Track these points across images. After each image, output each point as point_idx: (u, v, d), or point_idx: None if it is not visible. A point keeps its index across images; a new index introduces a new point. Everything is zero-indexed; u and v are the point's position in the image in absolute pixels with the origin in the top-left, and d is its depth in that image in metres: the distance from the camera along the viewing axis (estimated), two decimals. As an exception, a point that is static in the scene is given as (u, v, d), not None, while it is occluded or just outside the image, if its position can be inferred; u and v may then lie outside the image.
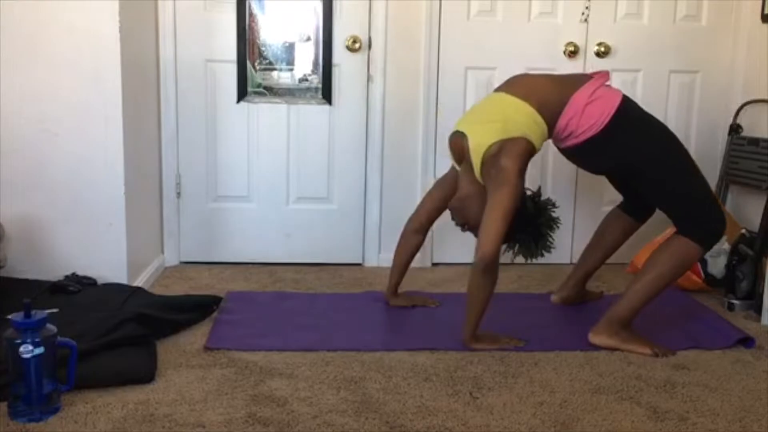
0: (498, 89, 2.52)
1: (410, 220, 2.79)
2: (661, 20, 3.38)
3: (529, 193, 2.51)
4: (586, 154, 2.50)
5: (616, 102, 2.39)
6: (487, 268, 2.28)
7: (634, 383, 2.14)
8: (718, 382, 2.17)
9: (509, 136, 2.36)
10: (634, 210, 2.74)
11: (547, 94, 2.41)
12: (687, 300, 2.92)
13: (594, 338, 2.41)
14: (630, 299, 2.39)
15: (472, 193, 2.46)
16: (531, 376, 2.18)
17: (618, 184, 2.76)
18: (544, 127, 2.40)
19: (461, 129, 2.47)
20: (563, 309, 2.85)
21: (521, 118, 2.38)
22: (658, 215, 2.73)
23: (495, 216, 2.29)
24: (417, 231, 2.75)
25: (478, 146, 2.40)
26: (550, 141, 2.58)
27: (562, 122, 2.40)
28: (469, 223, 2.49)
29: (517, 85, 2.48)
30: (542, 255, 2.52)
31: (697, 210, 2.40)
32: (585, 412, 1.96)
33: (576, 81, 2.47)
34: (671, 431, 1.87)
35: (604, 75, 2.49)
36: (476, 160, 2.41)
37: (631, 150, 2.40)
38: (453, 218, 2.56)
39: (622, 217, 2.76)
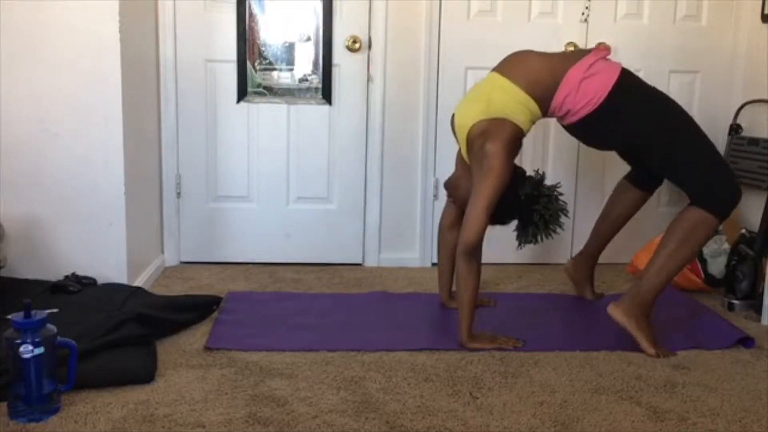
0: (493, 68, 2.52)
1: (442, 217, 2.79)
2: (661, 20, 3.38)
3: (534, 176, 2.52)
4: (588, 132, 2.48)
5: (614, 76, 2.36)
6: (469, 255, 2.34)
7: (634, 383, 2.14)
8: (718, 382, 2.17)
9: (490, 116, 2.37)
10: (642, 181, 2.74)
11: (539, 72, 2.40)
12: (687, 300, 2.92)
13: (612, 310, 2.38)
14: (651, 277, 2.36)
15: (460, 175, 2.59)
16: (531, 376, 2.18)
17: (626, 156, 2.75)
18: (533, 107, 2.39)
19: (455, 110, 2.54)
20: (563, 309, 2.85)
21: (505, 99, 2.38)
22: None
23: (478, 207, 2.33)
24: (451, 227, 2.73)
25: (461, 126, 2.46)
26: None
27: (557, 100, 2.39)
28: (459, 202, 2.59)
29: (509, 65, 2.47)
30: (537, 242, 2.51)
31: (708, 179, 2.37)
32: (585, 412, 1.96)
33: (572, 57, 2.46)
34: (671, 431, 1.87)
35: (603, 49, 2.47)
36: (461, 139, 2.47)
37: (634, 125, 2.38)
38: (448, 196, 2.69)
39: (631, 189, 2.76)
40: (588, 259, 2.90)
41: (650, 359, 2.32)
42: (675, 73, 3.43)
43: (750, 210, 3.19)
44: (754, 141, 3.21)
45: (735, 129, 3.34)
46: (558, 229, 2.51)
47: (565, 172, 3.44)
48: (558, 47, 3.32)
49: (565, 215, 2.53)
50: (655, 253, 2.40)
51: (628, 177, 2.79)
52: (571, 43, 3.33)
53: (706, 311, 2.79)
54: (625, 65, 3.31)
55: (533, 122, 2.45)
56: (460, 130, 2.46)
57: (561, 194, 2.53)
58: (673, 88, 3.44)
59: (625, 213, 2.79)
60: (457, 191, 2.61)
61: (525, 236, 2.52)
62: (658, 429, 1.88)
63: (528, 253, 3.43)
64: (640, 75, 3.32)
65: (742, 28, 3.38)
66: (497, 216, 2.43)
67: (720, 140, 3.44)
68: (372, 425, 1.85)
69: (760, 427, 1.91)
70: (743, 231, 2.95)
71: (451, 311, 2.69)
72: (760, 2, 3.26)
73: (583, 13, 3.34)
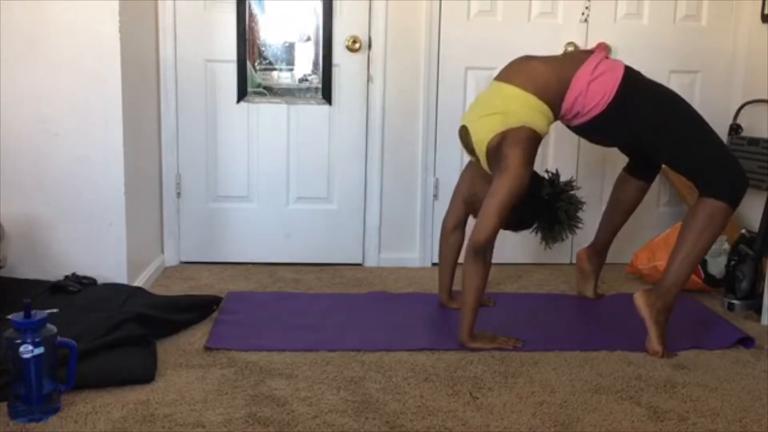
0: (497, 78, 2.52)
1: (445, 218, 2.79)
2: (661, 20, 3.38)
3: (548, 176, 2.52)
4: (597, 131, 2.51)
5: (619, 75, 2.39)
6: (477, 254, 2.33)
7: (634, 383, 2.14)
8: (718, 382, 2.17)
9: (509, 127, 2.37)
10: (641, 173, 2.77)
11: (546, 78, 2.41)
12: (687, 300, 2.91)
13: (638, 298, 2.39)
14: (675, 270, 2.38)
15: (479, 190, 2.56)
16: (531, 376, 2.18)
17: (627, 150, 2.77)
18: (547, 111, 2.40)
19: (465, 124, 2.52)
20: (563, 309, 2.85)
21: (520, 109, 2.38)
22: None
23: (492, 207, 2.33)
24: (455, 228, 2.74)
25: (480, 141, 2.44)
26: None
27: (567, 103, 2.40)
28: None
29: (515, 73, 2.47)
30: (564, 239, 2.53)
31: (716, 169, 2.40)
32: (585, 412, 1.96)
33: (576, 59, 2.47)
34: (671, 431, 1.87)
35: (603, 49, 2.48)
36: (481, 154, 2.46)
37: (641, 122, 2.40)
38: (468, 210, 2.68)
39: (632, 180, 2.79)
40: (599, 250, 2.92)
41: (650, 359, 2.32)
42: (675, 73, 3.43)
43: (750, 210, 3.19)
44: (754, 141, 3.21)
45: (735, 129, 3.34)
46: (580, 224, 2.52)
47: (565, 171, 3.43)
48: (558, 47, 3.32)
49: (582, 209, 2.54)
50: (675, 247, 2.42)
51: (627, 169, 2.82)
52: (571, 43, 3.33)
53: (706, 311, 2.80)
54: (625, 65, 3.35)
55: (549, 125, 2.46)
56: (479, 145, 2.44)
57: (578, 188, 2.55)
58: (673, 88, 3.35)
59: (630, 202, 2.82)
60: (473, 206, 2.62)
61: (551, 236, 2.52)
62: (658, 429, 1.88)
63: (528, 253, 3.44)
64: (640, 75, 3.37)
65: (742, 28, 3.38)
66: (522, 221, 2.47)
67: (720, 140, 3.45)
68: (372, 425, 1.85)
69: (760, 427, 1.91)
70: (743, 231, 2.95)
71: (451, 311, 2.69)
72: (760, 2, 3.26)
73: (583, 13, 3.34)
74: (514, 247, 3.39)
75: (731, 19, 3.41)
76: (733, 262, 2.88)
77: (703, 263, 2.97)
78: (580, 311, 2.84)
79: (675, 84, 3.44)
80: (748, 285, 2.82)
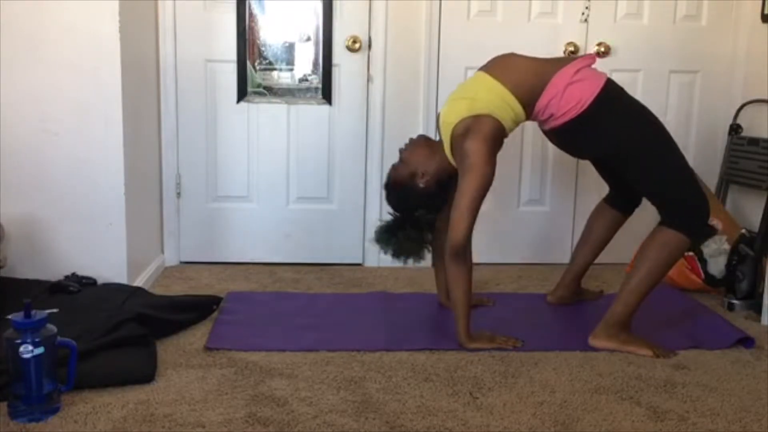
0: (480, 68, 2.52)
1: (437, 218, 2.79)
2: (661, 20, 3.38)
3: (431, 217, 2.54)
4: (567, 137, 2.47)
5: (599, 84, 2.36)
6: (457, 255, 2.34)
7: (634, 383, 2.14)
8: (718, 382, 2.17)
9: (475, 113, 2.36)
10: (620, 202, 2.73)
11: (526, 74, 2.40)
12: (687, 300, 2.92)
13: (594, 341, 2.40)
14: (625, 299, 2.38)
15: (427, 152, 2.55)
16: (531, 376, 2.18)
17: (604, 172, 2.74)
18: (517, 108, 2.39)
19: (440, 109, 2.54)
20: (563, 309, 2.85)
21: (490, 98, 2.37)
22: (655, 215, 2.71)
23: (462, 206, 2.33)
24: (445, 227, 2.74)
25: (446, 124, 2.45)
26: (548, 139, 2.60)
27: (542, 102, 2.38)
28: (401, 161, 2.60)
29: (497, 65, 2.47)
30: (385, 252, 2.56)
31: (681, 201, 2.37)
32: (585, 412, 1.96)
33: (559, 61, 2.46)
34: (671, 431, 1.87)
35: (589, 57, 2.47)
36: (445, 137, 2.47)
37: (614, 135, 2.37)
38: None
39: (608, 210, 2.76)
40: (569, 287, 2.88)
41: (650, 359, 2.32)
42: (675, 73, 3.43)
43: (750, 210, 3.19)
44: (754, 141, 3.21)
45: (735, 129, 3.35)
46: (410, 260, 2.55)
47: (566, 173, 3.45)
48: (558, 47, 3.32)
49: (417, 259, 2.55)
50: (628, 275, 2.42)
51: (606, 199, 2.79)
52: (571, 43, 3.33)
53: (706, 311, 2.79)
54: (625, 65, 3.36)
55: (516, 124, 2.45)
56: (445, 128, 2.45)
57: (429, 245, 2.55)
58: (673, 88, 3.44)
59: (603, 237, 2.78)
60: (405, 152, 2.61)
61: (385, 240, 2.54)
62: (658, 429, 1.88)
63: (528, 253, 3.44)
64: (640, 75, 3.38)
65: (742, 28, 3.38)
66: (396, 207, 2.51)
67: (720, 140, 3.46)
68: (372, 425, 1.85)
69: (760, 427, 1.91)
70: (743, 231, 2.95)
71: (451, 311, 2.68)
72: (760, 2, 3.26)
73: (583, 13, 3.34)
74: (514, 247, 3.39)
75: (731, 19, 3.41)
76: (733, 262, 2.88)
77: (703, 263, 2.97)
78: (580, 311, 2.83)
79: (675, 84, 3.45)
80: (748, 285, 2.82)
